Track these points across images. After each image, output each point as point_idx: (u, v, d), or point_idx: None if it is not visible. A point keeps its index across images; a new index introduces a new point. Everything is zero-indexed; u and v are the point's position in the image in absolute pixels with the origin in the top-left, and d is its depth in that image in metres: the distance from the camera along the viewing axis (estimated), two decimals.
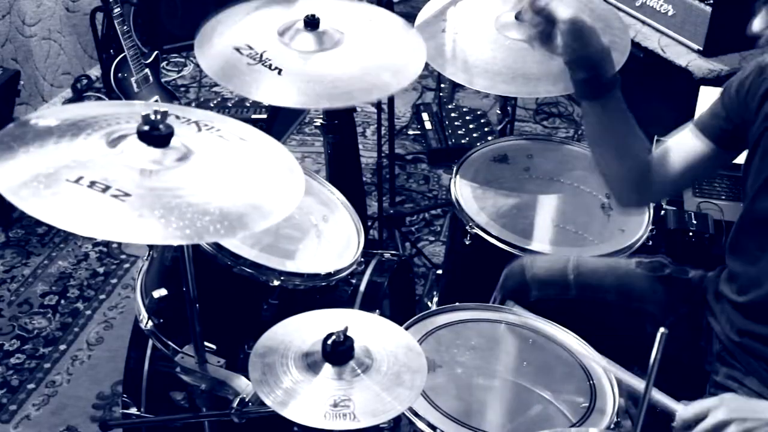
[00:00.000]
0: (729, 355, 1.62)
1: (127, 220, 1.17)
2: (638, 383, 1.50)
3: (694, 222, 2.31)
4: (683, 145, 1.64)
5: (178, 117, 1.42)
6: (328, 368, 1.42)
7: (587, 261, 1.83)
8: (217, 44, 1.83)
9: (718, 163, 1.65)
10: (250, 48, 1.81)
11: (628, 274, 1.79)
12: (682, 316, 1.72)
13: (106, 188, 1.19)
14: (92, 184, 1.19)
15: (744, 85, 1.56)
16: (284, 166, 1.42)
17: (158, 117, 1.26)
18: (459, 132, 3.56)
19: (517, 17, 1.97)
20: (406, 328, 1.66)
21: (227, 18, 1.91)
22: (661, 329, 1.11)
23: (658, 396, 1.45)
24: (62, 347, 2.66)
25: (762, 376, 1.56)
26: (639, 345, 1.63)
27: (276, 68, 1.77)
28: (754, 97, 1.53)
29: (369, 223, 2.88)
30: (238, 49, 1.80)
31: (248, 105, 3.55)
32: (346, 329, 1.42)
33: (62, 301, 2.83)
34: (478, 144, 2.31)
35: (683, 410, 1.43)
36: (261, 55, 1.79)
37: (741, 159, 1.62)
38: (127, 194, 1.19)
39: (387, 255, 2.20)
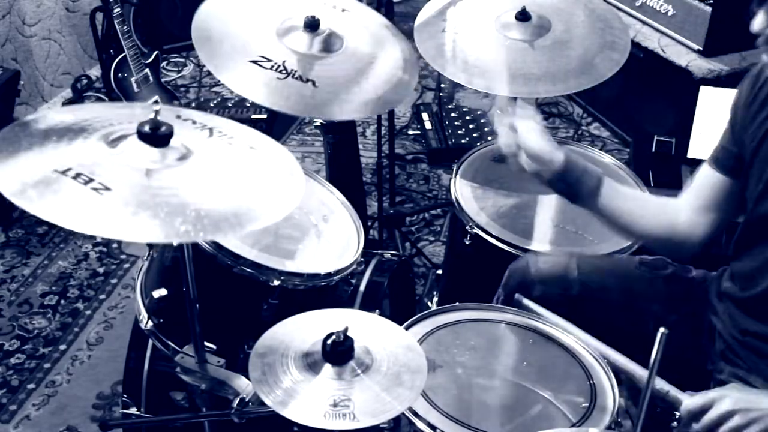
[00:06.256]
0: (733, 354, 1.63)
1: (101, 213, 1.17)
2: (641, 371, 1.50)
3: None
4: (704, 187, 1.65)
5: (194, 122, 1.42)
6: (328, 368, 1.42)
7: (590, 259, 1.84)
8: (235, 60, 1.81)
9: (741, 195, 1.63)
10: (268, 59, 1.79)
11: (630, 272, 1.79)
12: (683, 315, 1.72)
13: (89, 180, 1.19)
14: (77, 176, 1.19)
15: (738, 104, 1.59)
16: (284, 175, 1.41)
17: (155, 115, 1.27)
18: (459, 132, 3.56)
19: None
20: (406, 328, 1.66)
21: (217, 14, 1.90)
22: (662, 329, 1.11)
23: (663, 385, 1.45)
24: (62, 347, 2.66)
25: (766, 374, 1.56)
26: (641, 343, 1.64)
27: (309, 80, 1.77)
28: (751, 106, 1.56)
29: (369, 223, 2.88)
30: (256, 62, 1.78)
31: (248, 105, 3.55)
32: (346, 329, 1.42)
33: (62, 301, 2.83)
34: (478, 144, 2.31)
35: (689, 401, 1.44)
36: (285, 67, 1.78)
37: None
38: (107, 188, 1.19)
39: (387, 255, 2.20)
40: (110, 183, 1.20)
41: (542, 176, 1.62)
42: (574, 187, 1.61)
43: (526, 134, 1.60)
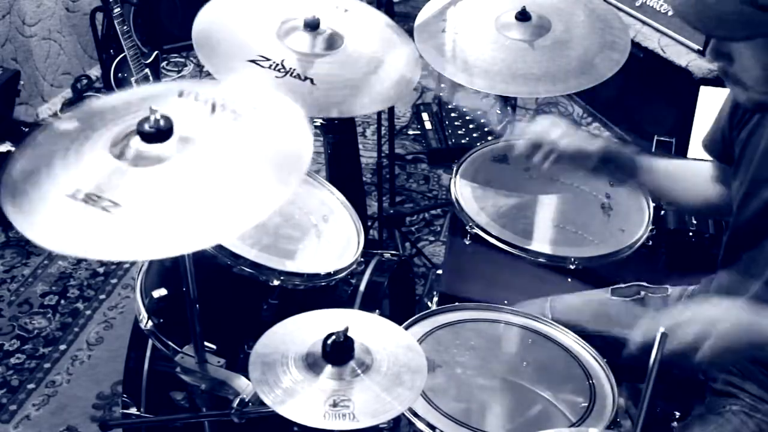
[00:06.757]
0: None
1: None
2: None
3: (694, 222, 2.31)
4: (704, 168, 1.74)
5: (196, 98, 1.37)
6: (328, 368, 1.42)
7: (562, 298, 1.85)
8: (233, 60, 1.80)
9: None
10: (266, 59, 1.78)
11: (604, 303, 1.81)
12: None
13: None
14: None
15: (730, 105, 1.60)
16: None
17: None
18: (459, 132, 3.56)
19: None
20: (406, 328, 1.66)
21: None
22: (661, 329, 1.11)
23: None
24: (62, 347, 2.66)
25: (760, 380, 1.56)
26: (626, 367, 1.64)
27: (307, 78, 1.77)
28: (735, 113, 1.58)
29: (369, 223, 2.87)
30: (254, 62, 1.78)
31: None
32: (346, 329, 1.42)
33: (62, 301, 2.83)
34: (478, 144, 2.31)
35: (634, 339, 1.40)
36: (283, 65, 1.77)
37: None
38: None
39: (387, 255, 2.20)
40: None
41: (585, 167, 1.78)
42: (614, 171, 1.79)
43: (561, 139, 1.73)
